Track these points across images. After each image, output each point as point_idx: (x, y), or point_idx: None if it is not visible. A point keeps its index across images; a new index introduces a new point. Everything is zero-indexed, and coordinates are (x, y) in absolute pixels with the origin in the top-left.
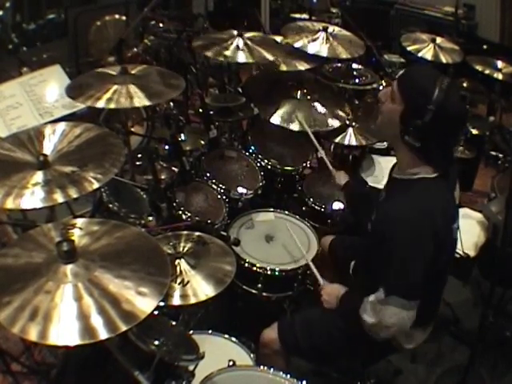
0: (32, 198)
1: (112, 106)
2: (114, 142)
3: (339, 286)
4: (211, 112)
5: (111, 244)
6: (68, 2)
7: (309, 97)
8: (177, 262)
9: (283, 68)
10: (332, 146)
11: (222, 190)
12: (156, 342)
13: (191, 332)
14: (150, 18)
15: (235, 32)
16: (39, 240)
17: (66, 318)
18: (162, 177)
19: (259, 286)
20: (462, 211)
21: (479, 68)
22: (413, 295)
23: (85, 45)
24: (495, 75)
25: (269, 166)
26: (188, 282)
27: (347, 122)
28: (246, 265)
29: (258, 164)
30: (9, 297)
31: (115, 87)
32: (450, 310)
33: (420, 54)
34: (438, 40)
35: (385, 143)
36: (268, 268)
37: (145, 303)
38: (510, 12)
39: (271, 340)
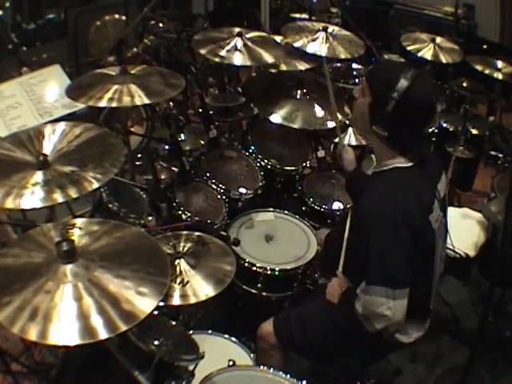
0: (32, 197)
1: (114, 104)
2: (114, 142)
3: (346, 280)
4: (211, 112)
5: (111, 244)
6: (68, 2)
7: (308, 96)
8: (177, 261)
9: (283, 68)
10: (332, 146)
11: (222, 190)
12: (156, 342)
13: (191, 332)
14: (150, 17)
15: (236, 30)
16: (39, 240)
17: (65, 318)
18: (162, 177)
19: (259, 285)
20: (462, 211)
21: (479, 68)
22: (395, 284)
23: (85, 45)
24: (495, 75)
25: (269, 166)
26: (188, 281)
27: (347, 122)
28: (246, 265)
29: (258, 164)
30: (9, 297)
31: (116, 87)
32: (450, 309)
33: (420, 54)
34: (438, 40)
35: None
36: (268, 268)
37: (145, 303)
38: (510, 12)
39: (267, 333)
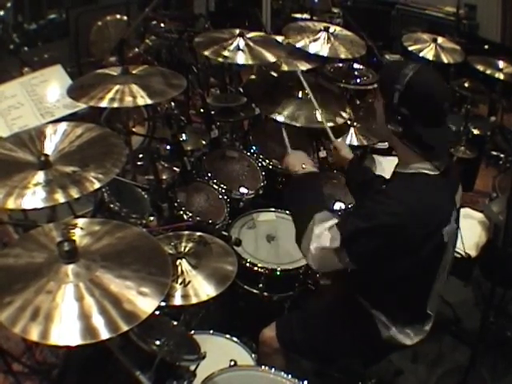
0: (33, 198)
1: (115, 105)
2: (116, 142)
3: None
4: (212, 112)
5: (112, 244)
6: (69, 2)
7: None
8: (178, 262)
9: (284, 68)
10: (333, 146)
11: (224, 190)
12: (157, 342)
13: (192, 332)
14: (151, 18)
15: (237, 31)
16: (40, 240)
17: (67, 318)
18: (164, 177)
19: (260, 285)
20: (464, 211)
21: (480, 68)
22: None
23: (86, 45)
24: (496, 75)
25: (270, 166)
26: (189, 282)
27: (348, 122)
28: (248, 265)
29: (260, 164)
30: (10, 297)
31: (117, 87)
32: (451, 310)
33: (421, 54)
34: (440, 40)
35: (386, 143)
36: (269, 268)
37: (146, 303)
38: (511, 12)
39: (270, 338)
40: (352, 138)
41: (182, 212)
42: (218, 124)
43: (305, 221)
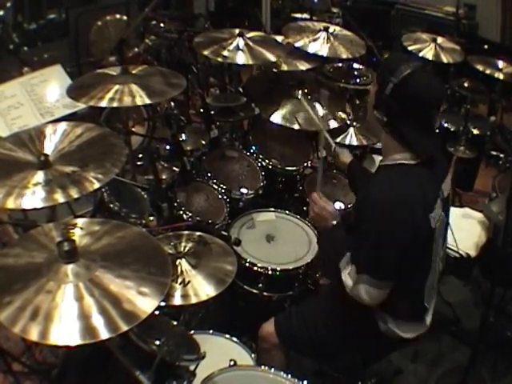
0: (33, 197)
1: (115, 104)
2: (115, 142)
3: (334, 209)
4: (212, 112)
5: (112, 244)
6: (69, 2)
7: (309, 97)
8: (178, 261)
9: (284, 68)
10: (333, 147)
11: (223, 190)
12: (157, 342)
13: (192, 332)
14: (151, 17)
15: (236, 31)
16: (40, 240)
17: (66, 318)
18: (163, 177)
19: (260, 285)
20: (463, 211)
21: (480, 68)
22: (382, 275)
23: (86, 45)
24: (496, 75)
25: (270, 166)
26: (189, 281)
27: (348, 122)
28: (247, 265)
29: (259, 164)
30: (10, 297)
31: (117, 87)
32: (451, 309)
33: (421, 54)
34: (439, 40)
35: None
36: (269, 268)
37: (146, 303)
38: (511, 12)
39: (269, 333)
40: (352, 137)
41: (181, 212)
42: (218, 124)
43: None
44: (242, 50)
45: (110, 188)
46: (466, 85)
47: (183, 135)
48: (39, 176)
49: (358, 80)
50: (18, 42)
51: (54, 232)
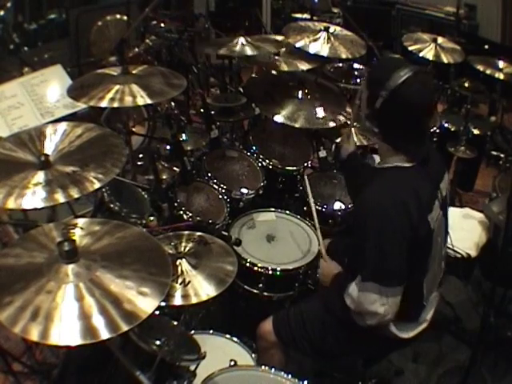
0: (33, 198)
1: (115, 105)
2: (116, 142)
3: (336, 265)
4: (212, 112)
5: (112, 244)
6: (69, 2)
7: (310, 96)
8: (178, 262)
9: (284, 68)
10: (334, 146)
11: (224, 190)
12: (157, 342)
13: (192, 332)
14: (152, 18)
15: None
16: (40, 240)
17: (67, 318)
18: (164, 177)
19: (260, 285)
20: (464, 211)
21: (480, 68)
22: (390, 281)
23: (86, 45)
24: (496, 75)
25: (270, 166)
26: (189, 282)
27: (348, 122)
28: (248, 265)
29: (260, 164)
30: (10, 297)
31: (117, 87)
32: (451, 309)
33: (421, 54)
34: (440, 40)
35: None
36: (269, 268)
37: (146, 303)
38: (511, 12)
39: (267, 332)
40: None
41: (182, 212)
42: (218, 124)
43: None
44: (246, 45)
45: (110, 188)
46: (466, 85)
47: (183, 135)
48: (39, 176)
49: (358, 80)
50: (19, 42)
51: (54, 232)
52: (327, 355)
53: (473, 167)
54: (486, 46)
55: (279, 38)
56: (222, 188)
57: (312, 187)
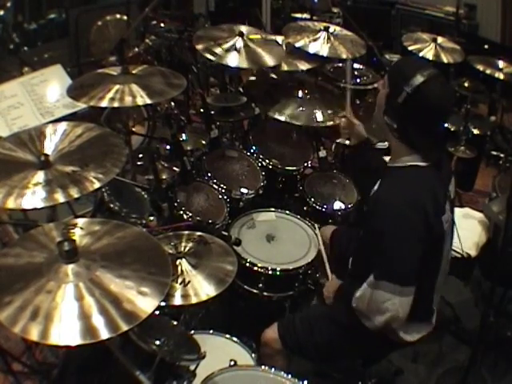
0: (33, 197)
1: (115, 104)
2: (116, 142)
3: (337, 280)
4: (212, 112)
5: (112, 244)
6: (69, 2)
7: (309, 96)
8: (178, 261)
9: (284, 68)
10: (334, 146)
11: (223, 190)
12: (157, 342)
13: (192, 332)
14: (151, 17)
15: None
16: (40, 240)
17: (67, 318)
18: (163, 177)
19: (260, 285)
20: (464, 211)
21: (480, 68)
22: (405, 281)
23: (86, 45)
24: (496, 75)
25: (270, 166)
26: (189, 281)
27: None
28: (248, 264)
29: (259, 164)
30: (10, 296)
31: (117, 87)
32: (451, 309)
33: (421, 54)
34: (439, 40)
35: (386, 143)
36: (269, 268)
37: (146, 303)
38: (511, 12)
39: (272, 339)
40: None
41: (181, 212)
42: (218, 124)
43: None
44: (237, 51)
45: (110, 188)
46: (466, 85)
47: (183, 135)
48: (39, 176)
49: (358, 80)
50: (19, 41)
51: (54, 232)
52: (334, 359)
53: (473, 167)
54: (486, 46)
55: (279, 37)
56: (222, 188)
57: (312, 187)
